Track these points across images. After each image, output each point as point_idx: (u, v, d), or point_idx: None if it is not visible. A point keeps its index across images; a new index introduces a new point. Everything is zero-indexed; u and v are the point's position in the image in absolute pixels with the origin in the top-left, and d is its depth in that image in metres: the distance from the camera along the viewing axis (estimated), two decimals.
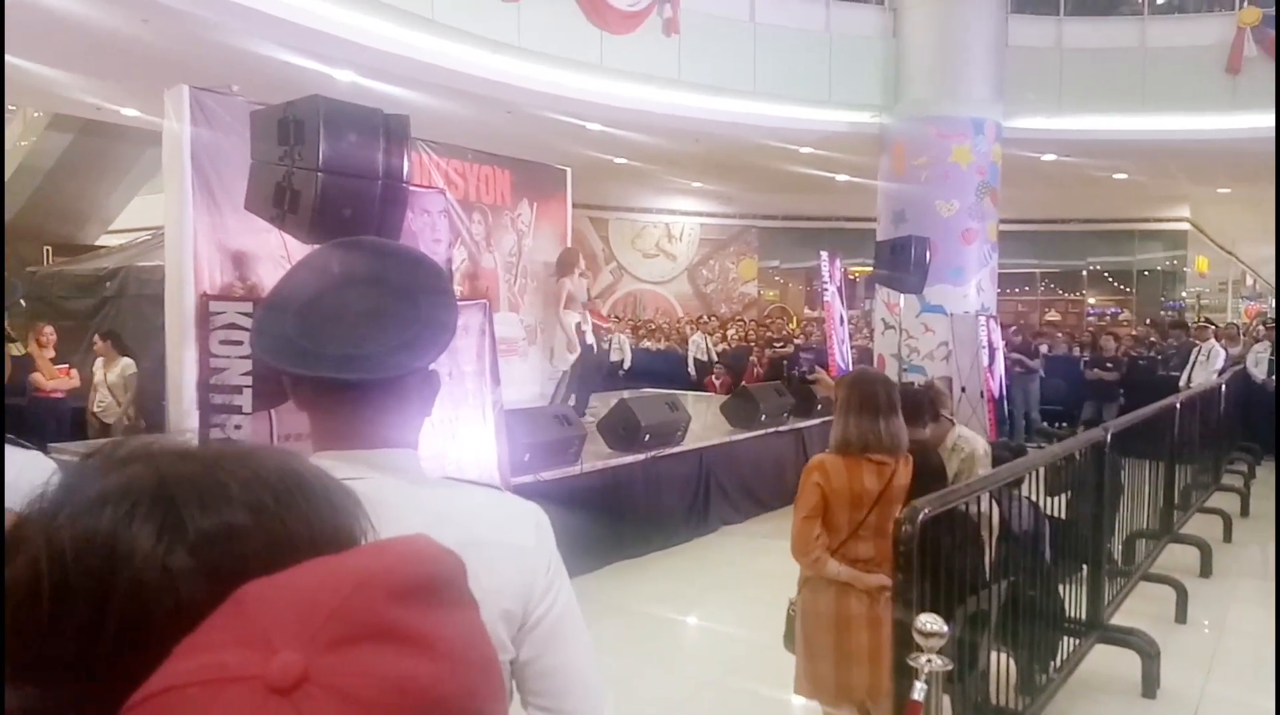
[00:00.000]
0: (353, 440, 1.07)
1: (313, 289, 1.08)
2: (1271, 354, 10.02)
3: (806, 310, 19.43)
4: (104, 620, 0.50)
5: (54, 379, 7.05)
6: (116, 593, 0.51)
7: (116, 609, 0.50)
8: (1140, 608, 4.70)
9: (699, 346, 14.01)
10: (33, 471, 0.59)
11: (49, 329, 7.23)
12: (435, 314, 1.08)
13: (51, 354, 7.15)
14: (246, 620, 0.42)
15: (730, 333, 15.41)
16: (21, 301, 8.35)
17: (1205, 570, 5.69)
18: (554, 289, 8.04)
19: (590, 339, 7.96)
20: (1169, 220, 18.34)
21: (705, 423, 7.74)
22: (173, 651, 0.43)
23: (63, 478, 0.57)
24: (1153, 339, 13.17)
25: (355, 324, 1.05)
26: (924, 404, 3.47)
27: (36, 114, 12.08)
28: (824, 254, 8.81)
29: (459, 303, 1.21)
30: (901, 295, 8.78)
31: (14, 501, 0.58)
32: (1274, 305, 17.86)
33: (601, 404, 7.94)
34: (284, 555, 0.53)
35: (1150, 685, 3.95)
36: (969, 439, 3.74)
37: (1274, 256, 15.00)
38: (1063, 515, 4.15)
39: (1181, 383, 9.74)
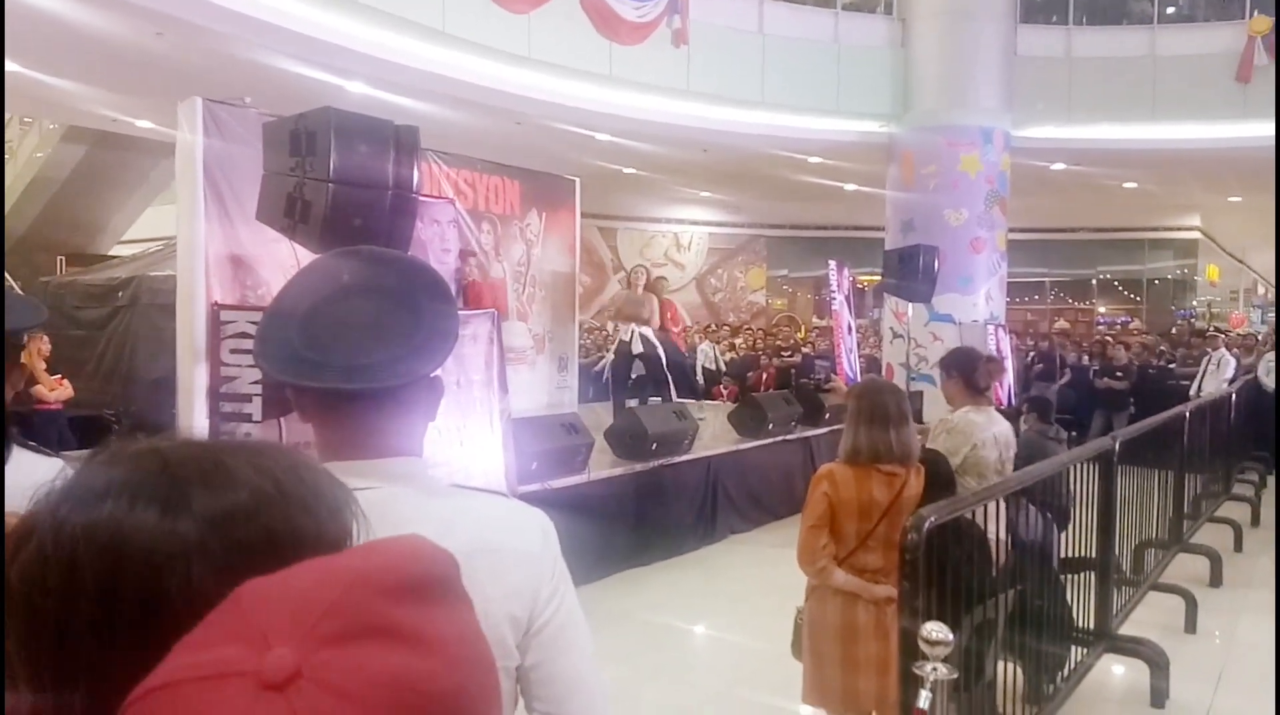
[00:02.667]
0: (360, 450, 1.08)
1: (314, 299, 1.09)
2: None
3: (815, 319, 19.41)
4: (114, 601, 0.52)
5: (54, 390, 7.10)
6: (126, 572, 0.52)
7: (127, 589, 0.52)
8: (1149, 617, 4.68)
9: (707, 355, 14.00)
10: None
11: (45, 339, 7.26)
12: (437, 322, 1.09)
13: (44, 365, 7.17)
14: (243, 617, 0.43)
15: (738, 342, 15.41)
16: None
17: (1215, 580, 5.65)
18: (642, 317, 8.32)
19: (639, 347, 8.24)
20: (1179, 229, 18.28)
21: (713, 432, 7.74)
22: (172, 648, 0.44)
23: (72, 473, 0.58)
24: (1163, 348, 13.11)
25: (358, 333, 1.06)
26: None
27: (52, 126, 12.21)
28: (832, 263, 8.81)
29: (465, 312, 1.23)
30: (910, 304, 8.78)
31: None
32: (1275, 312, 17.79)
33: (606, 413, 7.96)
34: (285, 544, 0.54)
35: (1159, 696, 3.92)
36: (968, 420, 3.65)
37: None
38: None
39: (1192, 392, 9.70)
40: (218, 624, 0.44)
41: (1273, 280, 24.08)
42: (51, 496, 0.56)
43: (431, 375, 1.11)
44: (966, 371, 3.59)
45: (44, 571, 0.53)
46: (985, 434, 3.46)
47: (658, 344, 8.22)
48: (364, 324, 1.07)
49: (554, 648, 1.08)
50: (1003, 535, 3.17)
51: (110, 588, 0.52)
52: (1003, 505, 3.18)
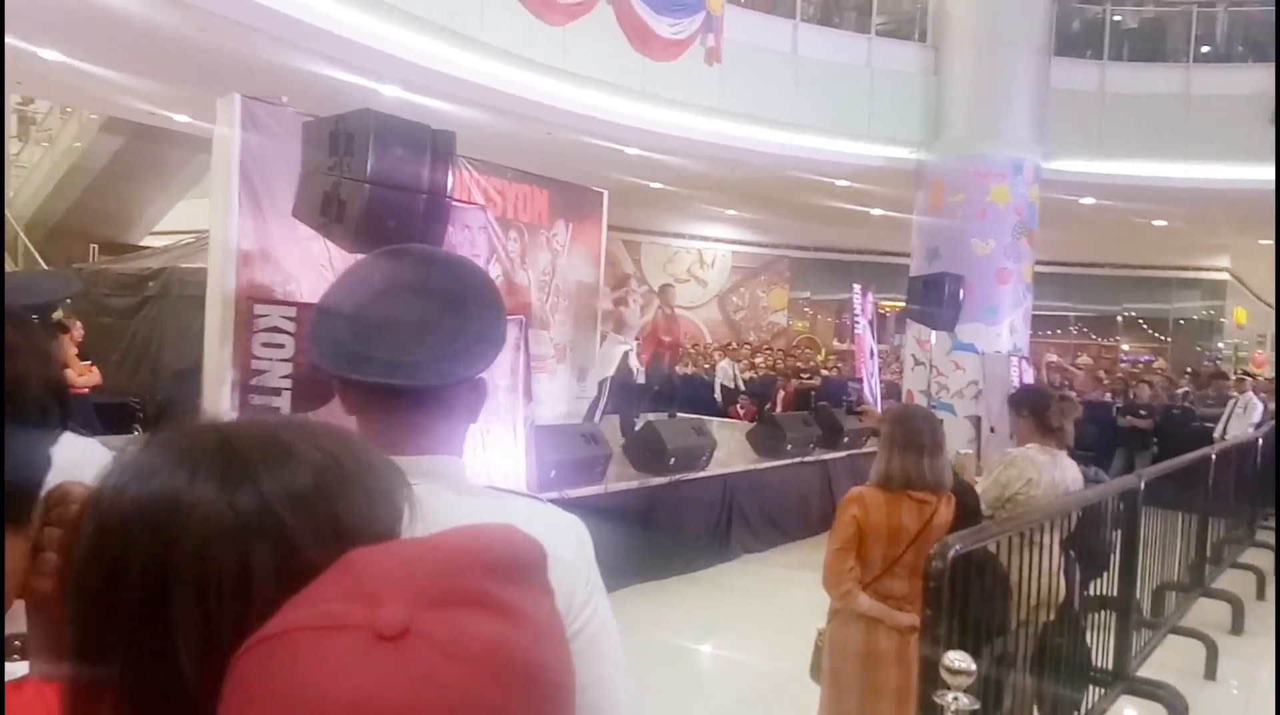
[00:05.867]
0: (400, 446, 1.09)
1: (366, 295, 1.11)
2: None
3: (835, 342, 19.35)
4: (166, 578, 0.51)
5: (84, 376, 7.14)
6: (179, 548, 0.51)
7: (179, 566, 0.51)
8: (1168, 661, 4.60)
9: (726, 373, 13.98)
10: (93, 456, 0.61)
11: (79, 325, 7.31)
12: (484, 326, 1.10)
13: (75, 350, 7.21)
14: (355, 579, 0.46)
15: (758, 361, 15.37)
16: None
17: (1237, 627, 5.56)
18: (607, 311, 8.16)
19: (634, 364, 8.05)
20: (1208, 269, 18.09)
21: (730, 449, 7.71)
22: (283, 605, 0.46)
23: (132, 453, 0.57)
24: (1184, 388, 12.94)
25: (405, 331, 1.07)
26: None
27: (92, 116, 12.39)
28: (856, 287, 8.79)
29: None
30: (933, 332, 8.73)
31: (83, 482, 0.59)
32: (1274, 356, 17.54)
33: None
34: (345, 522, 0.54)
35: None
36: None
37: None
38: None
39: (1216, 434, 9.57)
40: (329, 583, 0.46)
41: None
42: (112, 472, 0.56)
43: (475, 378, 1.11)
44: (1038, 410, 3.43)
45: (99, 546, 0.53)
46: (1043, 475, 3.31)
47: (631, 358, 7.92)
48: (411, 322, 1.07)
49: (584, 657, 1.06)
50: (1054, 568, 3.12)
51: (162, 564, 0.51)
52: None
